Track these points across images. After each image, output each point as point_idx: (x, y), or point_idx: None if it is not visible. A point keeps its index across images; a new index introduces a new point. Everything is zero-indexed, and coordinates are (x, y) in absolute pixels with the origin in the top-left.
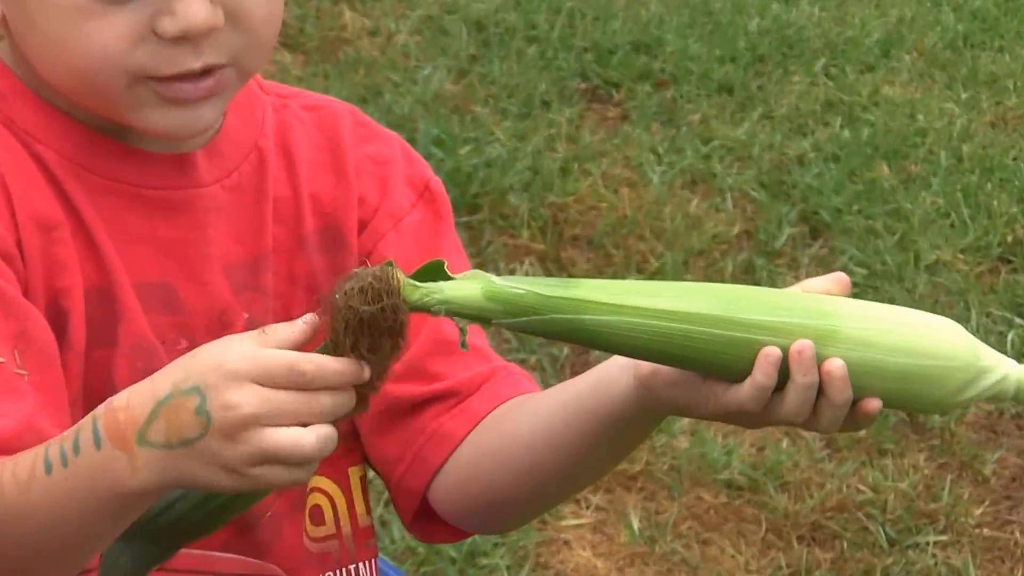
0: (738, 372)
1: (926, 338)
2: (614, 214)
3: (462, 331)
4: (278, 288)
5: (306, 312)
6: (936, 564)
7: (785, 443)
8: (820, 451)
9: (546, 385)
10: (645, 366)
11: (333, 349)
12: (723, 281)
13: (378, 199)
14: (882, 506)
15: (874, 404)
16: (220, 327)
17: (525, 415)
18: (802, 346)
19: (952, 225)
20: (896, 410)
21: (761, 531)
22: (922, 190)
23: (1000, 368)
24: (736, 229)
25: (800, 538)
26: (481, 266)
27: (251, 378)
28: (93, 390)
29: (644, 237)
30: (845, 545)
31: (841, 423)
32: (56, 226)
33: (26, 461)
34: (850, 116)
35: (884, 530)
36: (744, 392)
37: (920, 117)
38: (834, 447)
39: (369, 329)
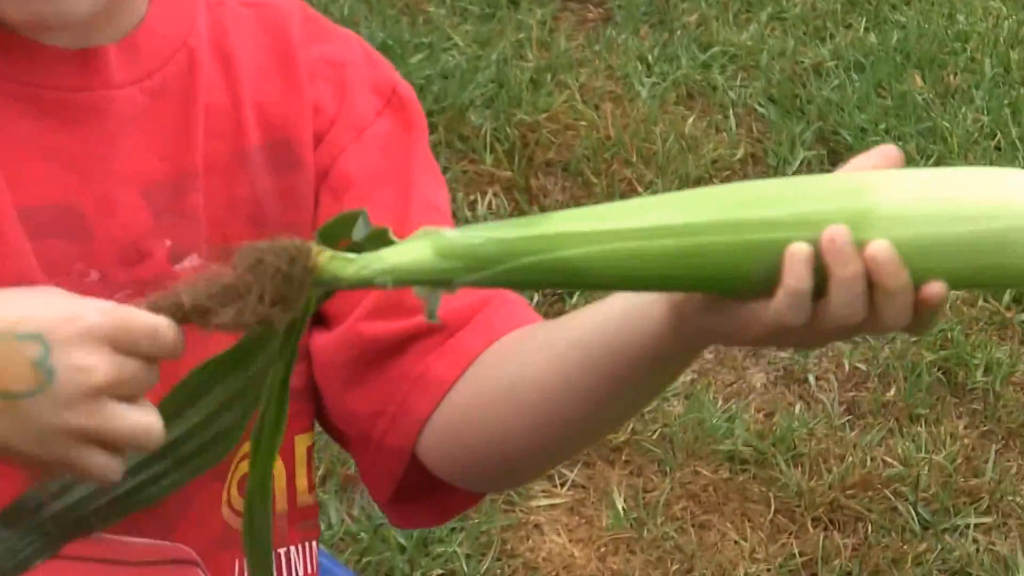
0: (770, 283)
1: (991, 195)
2: (595, 135)
3: (427, 300)
4: (213, 214)
5: (246, 241)
6: (979, 551)
7: (798, 407)
8: (840, 417)
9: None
10: (677, 296)
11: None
12: None
13: (336, 107)
14: (913, 482)
15: (935, 288)
16: (136, 257)
17: (535, 353)
18: (833, 233)
19: (998, 147)
20: (973, 289)
21: (770, 512)
22: (963, 105)
23: None
24: (740, 152)
25: (816, 520)
26: None
27: (108, 340)
28: None
29: (630, 162)
30: (870, 528)
31: (911, 316)
32: None
33: None
34: (877, 17)
35: (916, 511)
36: (779, 303)
37: (960, 18)
38: (857, 412)
39: (266, 301)
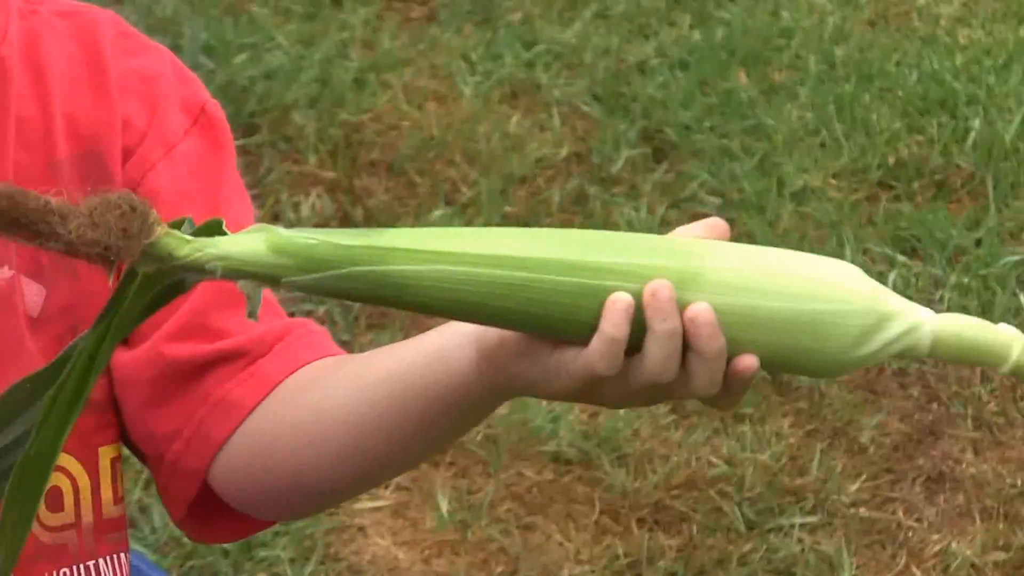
0: (588, 329)
1: (813, 279)
2: (419, 134)
3: (250, 298)
4: None
5: (52, 258)
6: (803, 550)
7: (623, 409)
8: (665, 417)
9: (337, 340)
10: (491, 336)
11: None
12: (550, 213)
13: (146, 122)
14: (739, 482)
15: (747, 361)
16: None
17: (342, 383)
18: (656, 287)
19: (823, 144)
20: (776, 373)
21: (595, 513)
22: (787, 102)
23: (909, 316)
24: (565, 151)
25: (641, 521)
26: (259, 198)
27: None
28: None
29: (454, 162)
30: (695, 529)
31: (720, 384)
32: None
33: None
34: (701, 14)
35: (741, 511)
36: (593, 350)
37: (785, 14)
38: (681, 412)
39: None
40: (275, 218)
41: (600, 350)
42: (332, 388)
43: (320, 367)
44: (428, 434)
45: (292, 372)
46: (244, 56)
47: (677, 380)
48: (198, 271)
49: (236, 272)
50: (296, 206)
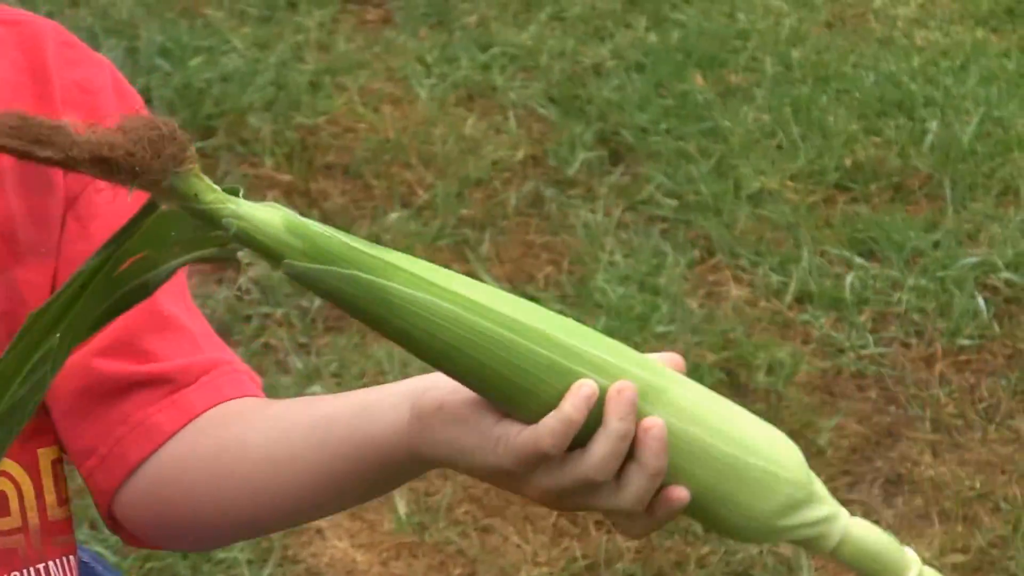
0: (543, 407)
1: (763, 437)
2: (375, 137)
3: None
4: None
5: None
6: (761, 553)
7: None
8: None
9: (294, 343)
10: (429, 399)
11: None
12: (506, 216)
13: None
14: None
15: (680, 492)
16: None
17: (266, 423)
18: (623, 386)
19: (780, 146)
20: (695, 518)
21: (552, 516)
22: (744, 104)
23: (831, 505)
24: (521, 153)
25: (599, 523)
26: None
27: None
28: None
29: (410, 164)
30: (653, 534)
31: (647, 503)
32: None
33: None
34: (656, 16)
35: None
36: (545, 428)
37: (741, 16)
38: None
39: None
40: None
41: (553, 427)
42: (254, 425)
43: (244, 404)
44: (342, 485)
45: (214, 405)
46: (200, 59)
47: (608, 487)
48: (213, 222)
49: (246, 237)
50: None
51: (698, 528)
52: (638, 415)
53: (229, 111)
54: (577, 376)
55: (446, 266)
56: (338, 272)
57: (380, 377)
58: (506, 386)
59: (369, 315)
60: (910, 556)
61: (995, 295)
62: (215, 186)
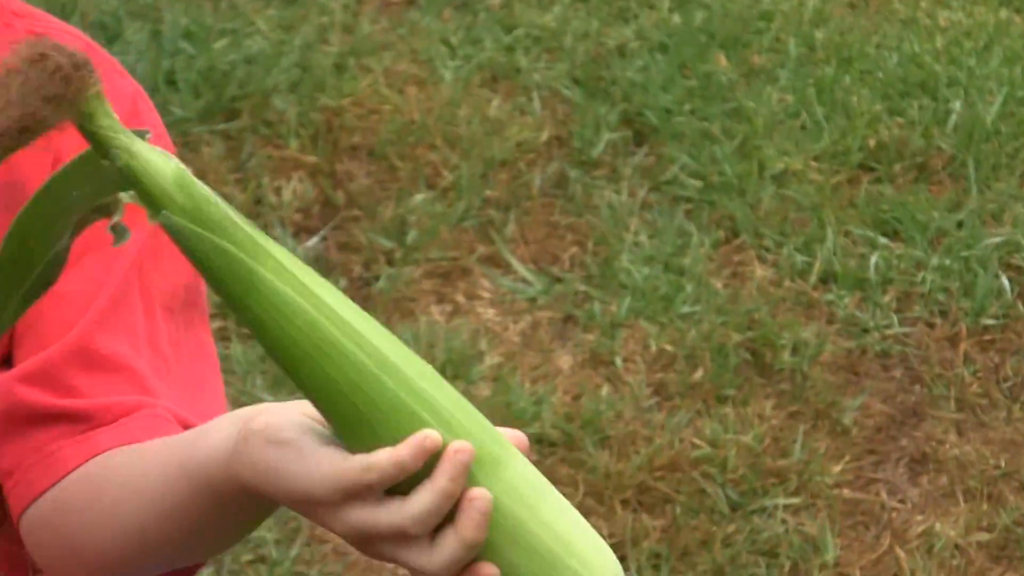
0: (377, 443)
1: (585, 540)
2: (399, 118)
3: (119, 225)
4: None
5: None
6: (787, 532)
7: (605, 390)
8: (647, 399)
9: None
10: (257, 421)
11: None
12: (530, 197)
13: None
14: (721, 464)
15: (491, 571)
16: None
17: (135, 462)
18: (462, 447)
19: (803, 127)
20: None
21: (579, 495)
22: (767, 85)
23: None
24: (545, 135)
25: (625, 503)
26: (241, 183)
27: None
28: None
29: (435, 146)
30: (678, 510)
31: (455, 573)
32: None
33: None
34: None
35: (724, 492)
36: (375, 461)
37: None
38: (664, 394)
39: (39, 95)
40: (257, 202)
41: (383, 464)
42: (131, 464)
43: (143, 444)
44: (182, 519)
45: (121, 445)
46: (224, 41)
47: (419, 545)
48: (102, 150)
49: (132, 175)
50: (278, 190)
51: (724, 507)
52: (471, 482)
53: (253, 93)
54: (421, 423)
55: (471, 247)
56: (211, 240)
57: None
58: (348, 410)
59: (230, 294)
60: None
61: (1019, 275)
62: (114, 114)
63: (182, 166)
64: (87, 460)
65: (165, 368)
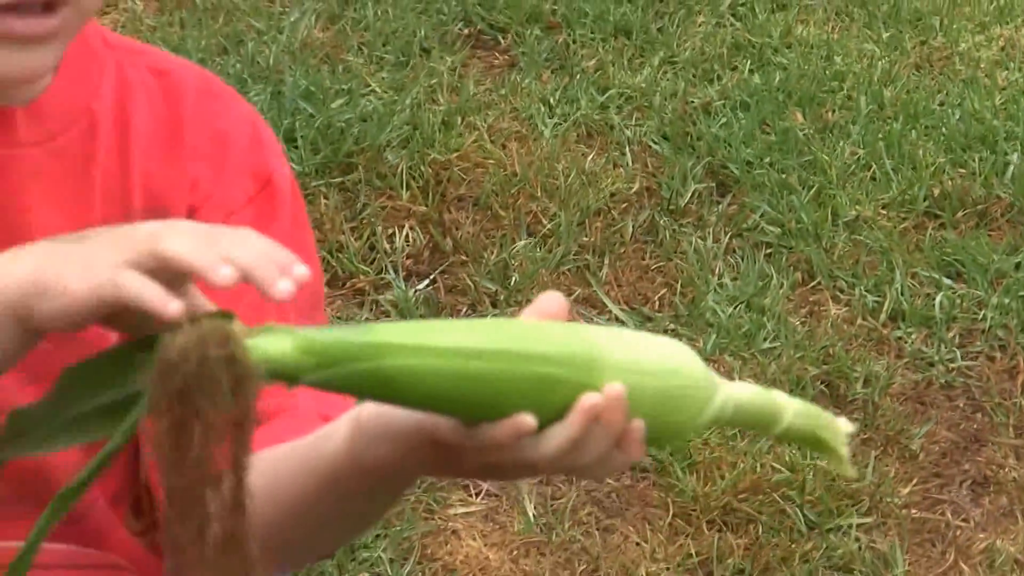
0: (513, 410)
1: (673, 358)
2: (502, 171)
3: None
4: None
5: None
6: (860, 549)
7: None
8: (731, 428)
9: None
10: (368, 408)
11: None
12: (623, 243)
13: (212, 186)
14: (800, 486)
15: (638, 424)
16: None
17: (281, 458)
18: (591, 400)
19: (873, 178)
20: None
21: (668, 516)
22: (840, 140)
23: (726, 387)
24: (636, 186)
25: (711, 523)
26: (356, 231)
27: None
28: None
29: (535, 196)
30: (760, 530)
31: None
32: None
33: None
34: (760, 59)
35: (802, 512)
36: (557, 434)
37: (837, 59)
38: None
39: (196, 389)
40: (371, 248)
41: (563, 438)
42: (280, 459)
43: (288, 444)
44: (332, 509)
45: (267, 446)
46: (341, 101)
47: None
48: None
49: (271, 372)
50: (391, 238)
51: (802, 526)
52: (593, 385)
53: (368, 148)
54: (539, 377)
55: (569, 289)
56: (344, 372)
57: None
58: (482, 411)
59: (375, 395)
60: (781, 402)
61: None
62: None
63: (279, 328)
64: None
65: None
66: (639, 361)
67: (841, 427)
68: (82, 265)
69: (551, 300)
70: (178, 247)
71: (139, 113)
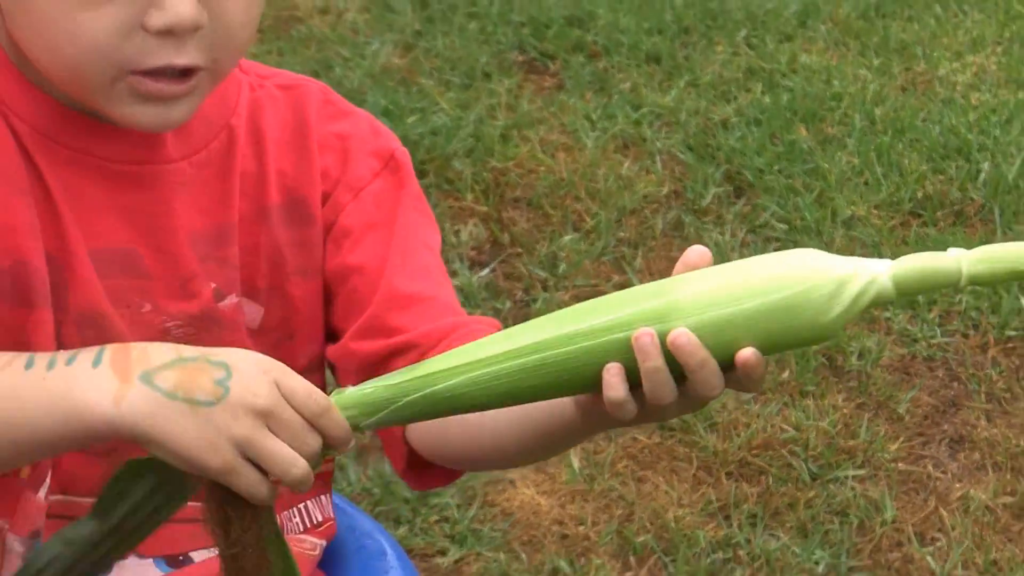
0: (592, 382)
1: (770, 274)
2: (551, 176)
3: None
4: (242, 259)
5: (267, 283)
6: (855, 496)
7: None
8: (745, 394)
9: None
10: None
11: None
12: (654, 237)
13: (339, 172)
14: (804, 443)
15: (747, 353)
16: (184, 294)
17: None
18: (638, 334)
19: (866, 183)
20: (781, 352)
21: (692, 468)
22: (838, 150)
23: (864, 273)
24: (665, 189)
25: (728, 474)
26: None
27: (276, 381)
28: (43, 349)
29: (579, 197)
30: (770, 480)
31: (719, 383)
32: (21, 194)
33: (4, 356)
34: (770, 82)
35: (806, 465)
36: (605, 404)
37: (835, 82)
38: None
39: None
40: (442, 243)
41: (613, 402)
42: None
43: None
44: (553, 445)
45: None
46: (414, 118)
47: (683, 393)
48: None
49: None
50: (457, 233)
51: (806, 477)
52: (664, 338)
53: (437, 157)
54: (604, 346)
55: (608, 276)
56: (394, 410)
57: None
58: (565, 388)
59: (438, 415)
60: (955, 255)
61: None
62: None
63: (333, 394)
64: None
65: (444, 291)
66: (717, 294)
67: None
68: (203, 439)
69: (694, 252)
70: (273, 449)
71: (270, 123)
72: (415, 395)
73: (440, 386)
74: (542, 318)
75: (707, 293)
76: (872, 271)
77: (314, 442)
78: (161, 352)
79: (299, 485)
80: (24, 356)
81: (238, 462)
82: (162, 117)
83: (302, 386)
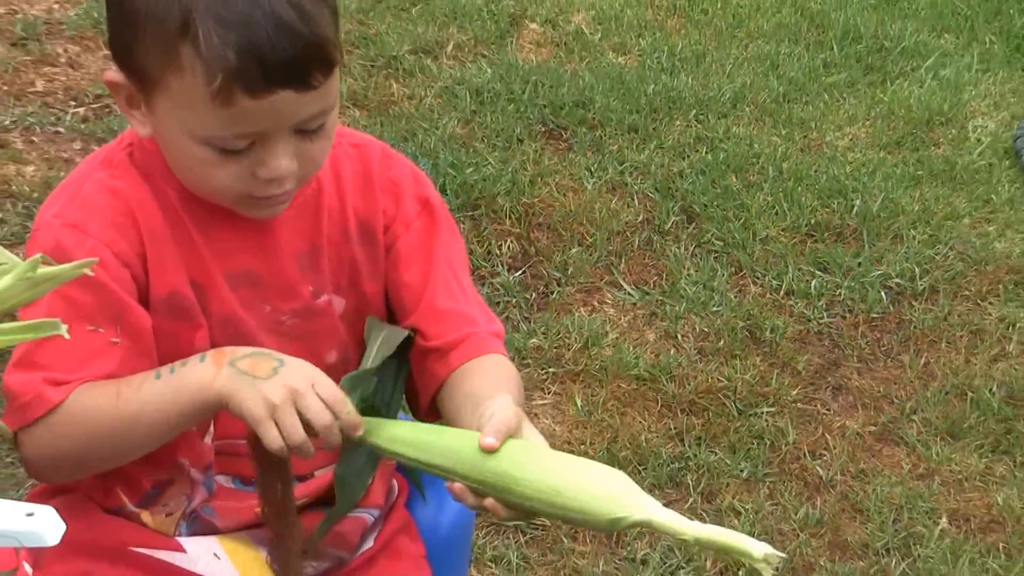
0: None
1: (580, 487)
2: (563, 209)
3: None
4: (330, 267)
5: (348, 283)
6: (768, 426)
7: (672, 351)
8: (694, 355)
9: (522, 315)
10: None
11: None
12: (633, 251)
13: (395, 210)
14: (734, 390)
15: (458, 488)
16: (291, 296)
17: (475, 384)
18: (459, 485)
19: (776, 213)
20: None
21: (658, 406)
22: (757, 192)
23: (638, 515)
24: (640, 217)
25: (682, 410)
26: (481, 242)
27: (312, 376)
28: (199, 350)
29: (583, 223)
30: (711, 415)
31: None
32: (168, 242)
33: (138, 377)
34: (711, 146)
35: (735, 405)
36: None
37: (756, 146)
38: (705, 353)
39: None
40: (488, 252)
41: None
42: (473, 381)
43: (479, 360)
44: None
45: (463, 363)
46: (471, 169)
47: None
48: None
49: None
50: (499, 247)
51: (735, 413)
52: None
53: (486, 196)
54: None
55: (601, 277)
56: (368, 442)
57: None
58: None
59: (385, 453)
60: (689, 529)
61: (891, 291)
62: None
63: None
64: (449, 373)
65: (468, 303)
66: (540, 491)
67: (755, 550)
68: (251, 400)
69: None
70: (288, 420)
71: (346, 171)
72: (369, 437)
73: (376, 441)
74: (450, 432)
75: (536, 476)
76: (647, 514)
77: (327, 419)
78: (244, 350)
79: (299, 448)
80: (152, 371)
81: (266, 420)
82: (268, 213)
83: (328, 383)
